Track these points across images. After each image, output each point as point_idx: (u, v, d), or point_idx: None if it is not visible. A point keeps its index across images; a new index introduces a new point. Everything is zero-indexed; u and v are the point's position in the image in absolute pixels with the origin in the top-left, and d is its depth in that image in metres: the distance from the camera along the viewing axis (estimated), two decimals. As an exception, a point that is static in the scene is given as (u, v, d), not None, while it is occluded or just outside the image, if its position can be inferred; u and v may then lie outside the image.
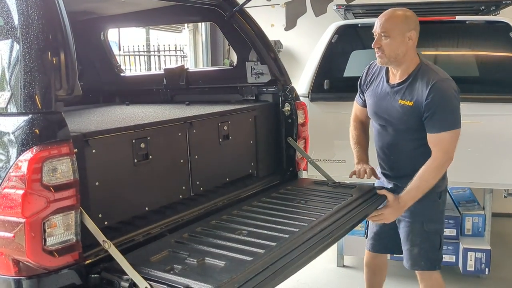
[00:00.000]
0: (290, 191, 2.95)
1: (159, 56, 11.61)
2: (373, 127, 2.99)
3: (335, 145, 4.14)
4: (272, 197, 2.83)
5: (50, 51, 1.86)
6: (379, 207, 2.74)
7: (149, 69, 9.66)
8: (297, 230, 2.23)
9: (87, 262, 1.96)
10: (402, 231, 2.91)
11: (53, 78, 1.85)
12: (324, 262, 4.62)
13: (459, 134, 2.64)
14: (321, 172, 3.20)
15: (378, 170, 3.03)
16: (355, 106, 3.12)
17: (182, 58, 9.11)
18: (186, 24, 7.27)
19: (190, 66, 7.47)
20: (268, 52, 3.32)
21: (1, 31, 1.93)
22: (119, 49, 4.41)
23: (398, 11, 2.66)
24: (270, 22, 7.17)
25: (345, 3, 5.42)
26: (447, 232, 4.16)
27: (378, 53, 2.65)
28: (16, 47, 1.87)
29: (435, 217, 2.86)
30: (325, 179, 3.16)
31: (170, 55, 10.26)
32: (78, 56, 4.34)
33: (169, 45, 10.28)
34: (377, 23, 2.65)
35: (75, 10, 3.69)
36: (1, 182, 1.76)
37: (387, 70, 2.82)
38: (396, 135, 2.80)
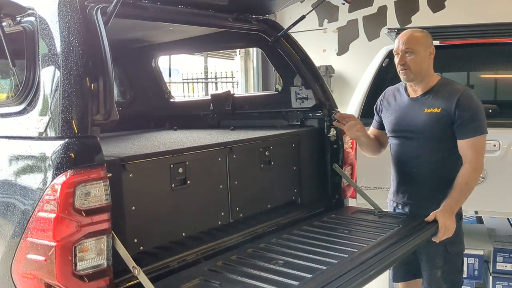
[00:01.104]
0: (334, 220, 2.84)
1: (216, 83, 11.88)
2: (393, 144, 2.96)
3: (386, 172, 3.95)
4: (314, 225, 2.73)
5: (88, 77, 1.91)
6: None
7: (207, 95, 9.92)
8: (336, 261, 2.12)
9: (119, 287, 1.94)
10: (424, 253, 2.83)
11: (90, 103, 1.89)
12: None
13: (485, 139, 2.71)
14: (368, 200, 3.07)
15: (390, 198, 3.02)
16: (370, 130, 3.13)
17: (237, 84, 9.24)
18: (238, 51, 7.38)
19: (241, 91, 7.55)
20: (313, 76, 3.26)
21: (44, 58, 2.00)
22: (169, 76, 4.49)
23: (416, 30, 2.78)
24: (322, 47, 7.16)
25: (398, 26, 5.31)
26: (509, 267, 3.86)
27: (403, 70, 2.73)
28: (57, 73, 1.92)
29: (457, 238, 2.79)
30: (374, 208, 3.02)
31: (227, 82, 10.46)
32: (131, 83, 4.50)
33: (225, 72, 10.49)
34: (398, 42, 2.75)
35: (128, 38, 3.82)
36: (36, 205, 1.79)
37: (405, 88, 2.89)
38: (420, 147, 2.80)
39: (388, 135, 2.98)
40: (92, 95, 1.90)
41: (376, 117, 3.07)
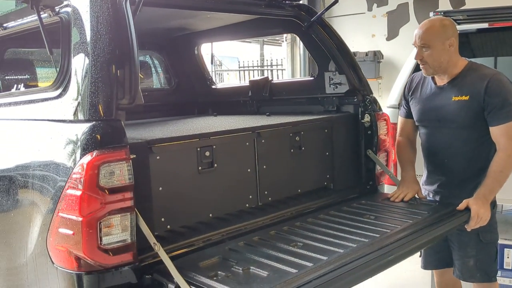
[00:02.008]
0: (363, 206, 2.83)
1: (271, 70, 11.97)
2: (422, 133, 2.89)
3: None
4: (341, 210, 2.74)
5: (114, 64, 2.01)
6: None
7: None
8: (355, 245, 2.13)
9: (144, 263, 2.05)
10: (456, 242, 2.77)
11: (115, 89, 2.00)
12: (417, 285, 4.34)
13: None
14: (401, 186, 3.03)
15: (422, 185, 2.95)
16: (400, 120, 3.06)
17: (284, 71, 9.26)
18: (284, 38, 7.38)
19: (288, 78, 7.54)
20: (347, 62, 3.23)
21: (76, 46, 2.13)
22: (211, 63, 4.59)
23: (434, 21, 2.65)
24: (371, 33, 7.00)
25: (447, 9, 5.11)
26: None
27: (422, 64, 2.67)
28: (86, 60, 2.05)
29: (490, 227, 2.70)
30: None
31: (282, 69, 10.50)
32: (175, 70, 4.64)
33: (281, 59, 10.54)
34: (415, 35, 2.66)
35: (170, 27, 3.94)
36: (66, 183, 1.93)
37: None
38: (451, 136, 2.72)
39: (416, 124, 2.92)
40: (118, 81, 2.00)
41: (404, 104, 3.01)
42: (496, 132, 2.57)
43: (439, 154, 2.79)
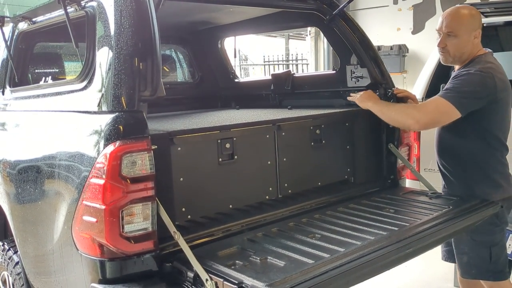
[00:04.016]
0: (383, 199, 2.82)
1: (296, 65, 11.95)
2: None
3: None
4: (361, 204, 2.74)
5: (136, 56, 2.06)
6: None
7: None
8: (372, 238, 2.14)
9: (164, 251, 2.10)
10: (453, 238, 2.75)
11: (137, 81, 2.04)
12: (440, 281, 4.30)
13: (449, 111, 2.49)
14: (423, 180, 3.02)
15: None
16: None
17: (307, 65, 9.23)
18: (308, 32, 7.35)
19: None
20: (369, 55, 3.21)
21: (100, 39, 2.18)
22: (234, 56, 4.61)
23: (463, 9, 2.57)
24: (396, 26, 6.91)
25: (475, 1, 5.02)
26: None
27: (442, 52, 2.61)
28: (110, 53, 2.10)
29: (483, 228, 2.62)
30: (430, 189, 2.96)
31: (307, 64, 10.48)
32: (199, 64, 4.68)
33: (306, 53, 10.52)
34: (441, 22, 2.58)
35: (194, 21, 3.98)
36: (90, 172, 1.99)
37: None
38: (442, 129, 2.75)
39: None
40: (140, 73, 2.05)
41: None
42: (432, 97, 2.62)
43: (436, 147, 2.83)
